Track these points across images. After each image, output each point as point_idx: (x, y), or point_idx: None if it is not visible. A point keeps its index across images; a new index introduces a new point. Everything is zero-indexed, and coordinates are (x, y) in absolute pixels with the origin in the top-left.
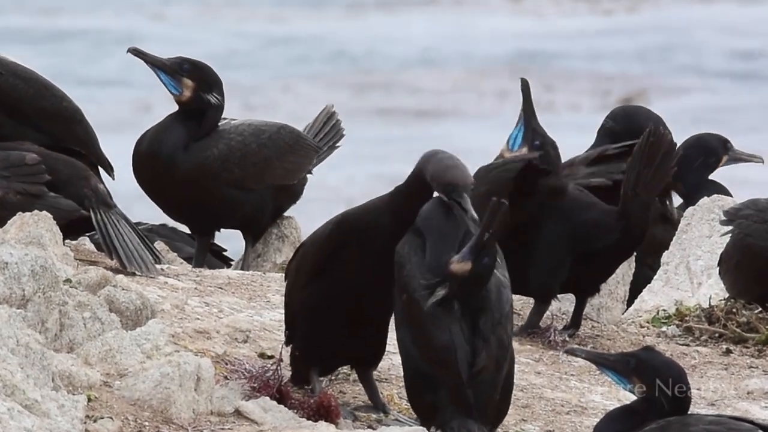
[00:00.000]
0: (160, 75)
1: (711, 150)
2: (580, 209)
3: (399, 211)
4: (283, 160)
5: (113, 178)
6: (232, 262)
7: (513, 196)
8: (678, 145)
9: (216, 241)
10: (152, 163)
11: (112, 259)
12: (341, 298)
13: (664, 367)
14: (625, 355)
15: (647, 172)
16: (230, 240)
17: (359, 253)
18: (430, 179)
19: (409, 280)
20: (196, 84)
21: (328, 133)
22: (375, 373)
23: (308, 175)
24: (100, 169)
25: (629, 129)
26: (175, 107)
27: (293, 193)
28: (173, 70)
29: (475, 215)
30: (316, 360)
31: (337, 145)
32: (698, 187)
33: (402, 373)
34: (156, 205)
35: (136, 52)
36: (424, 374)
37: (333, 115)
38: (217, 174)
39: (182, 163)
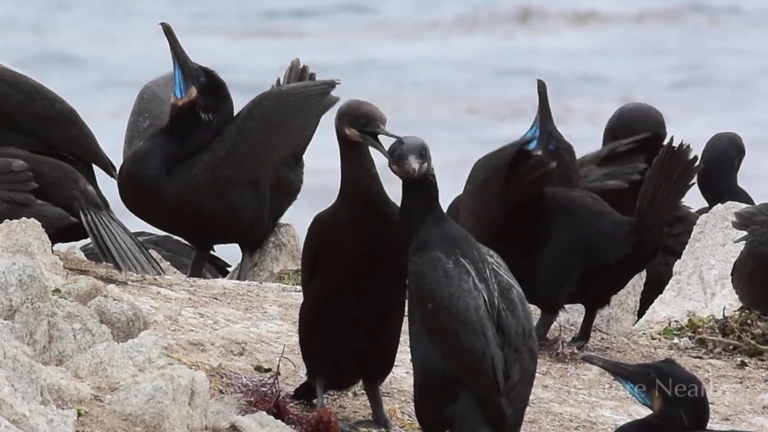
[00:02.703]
0: (176, 69)
1: (742, 150)
2: (592, 219)
3: (352, 199)
4: (277, 132)
5: (114, 177)
6: (229, 269)
7: (509, 183)
8: (699, 158)
9: (218, 255)
10: (137, 191)
11: (106, 262)
12: (331, 302)
13: (686, 381)
14: (644, 366)
15: (665, 186)
16: (227, 248)
17: (335, 256)
18: (340, 123)
19: (435, 288)
20: (198, 98)
21: None
22: None
23: (304, 178)
24: (101, 172)
25: (625, 128)
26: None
27: (290, 191)
28: (189, 74)
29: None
30: (320, 371)
31: (336, 81)
32: (732, 191)
33: (403, 387)
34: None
35: (168, 31)
36: (441, 387)
37: (305, 71)
38: (211, 185)
39: (168, 188)
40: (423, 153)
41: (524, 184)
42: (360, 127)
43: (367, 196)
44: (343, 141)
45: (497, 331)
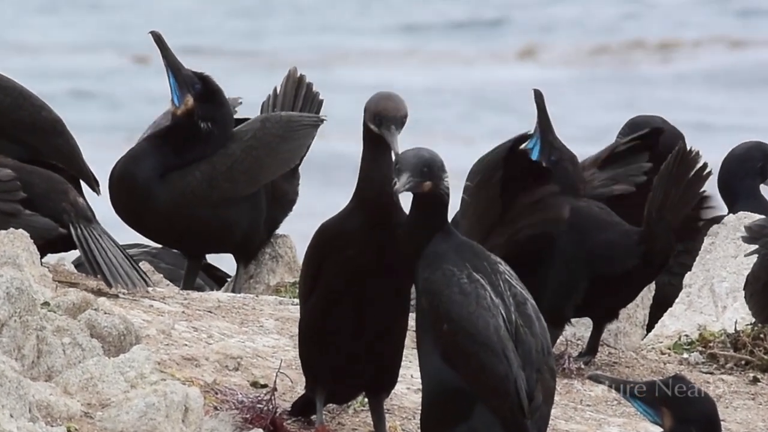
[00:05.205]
0: (169, 77)
1: (767, 155)
2: (598, 228)
3: (365, 205)
4: (274, 155)
5: (98, 193)
6: (228, 279)
7: (505, 182)
8: (709, 165)
9: (218, 266)
10: (129, 194)
11: (96, 276)
12: (334, 314)
13: (696, 399)
14: (652, 384)
15: (675, 193)
16: (223, 259)
17: (341, 264)
18: (365, 115)
19: (451, 307)
20: (196, 106)
21: (303, 106)
22: None
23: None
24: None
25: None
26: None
27: (286, 203)
28: (184, 81)
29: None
30: (321, 384)
31: (323, 118)
32: (751, 196)
33: (404, 404)
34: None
35: (158, 39)
36: (453, 404)
37: (302, 81)
38: (206, 196)
39: (161, 193)
40: (424, 170)
41: (520, 187)
42: (378, 125)
43: (381, 203)
44: (367, 134)
45: (516, 349)
